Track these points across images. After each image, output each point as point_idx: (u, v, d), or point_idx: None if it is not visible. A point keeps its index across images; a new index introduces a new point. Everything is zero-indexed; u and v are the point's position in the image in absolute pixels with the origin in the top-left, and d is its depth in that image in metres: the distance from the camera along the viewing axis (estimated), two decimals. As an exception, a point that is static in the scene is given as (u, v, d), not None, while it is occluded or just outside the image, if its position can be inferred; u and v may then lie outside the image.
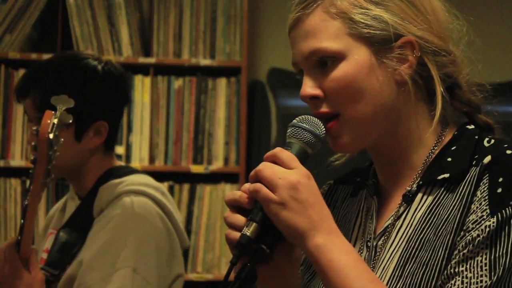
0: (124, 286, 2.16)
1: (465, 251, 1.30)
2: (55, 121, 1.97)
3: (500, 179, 1.32)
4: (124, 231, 2.22)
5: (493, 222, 1.30)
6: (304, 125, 1.39)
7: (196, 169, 4.29)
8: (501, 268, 1.28)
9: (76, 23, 4.28)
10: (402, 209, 1.43)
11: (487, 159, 1.35)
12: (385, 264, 1.40)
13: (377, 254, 1.43)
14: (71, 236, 2.31)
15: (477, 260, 1.29)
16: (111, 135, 2.37)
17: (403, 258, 1.38)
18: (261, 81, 4.52)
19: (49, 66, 2.35)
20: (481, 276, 1.28)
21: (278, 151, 1.36)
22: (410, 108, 1.44)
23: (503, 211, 1.30)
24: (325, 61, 1.41)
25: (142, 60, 4.29)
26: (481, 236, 1.30)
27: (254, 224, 1.34)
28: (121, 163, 2.47)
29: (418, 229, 1.39)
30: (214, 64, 4.31)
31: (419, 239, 1.37)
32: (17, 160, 4.24)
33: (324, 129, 1.40)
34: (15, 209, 4.21)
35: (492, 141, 1.41)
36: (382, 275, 1.39)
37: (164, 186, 2.40)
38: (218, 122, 4.33)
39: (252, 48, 4.49)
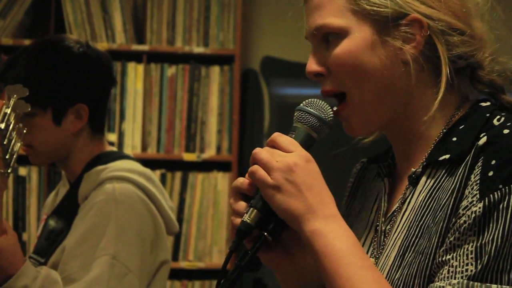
0: (103, 274, 2.14)
1: (452, 238, 1.25)
2: (7, 110, 1.94)
3: (493, 162, 1.24)
4: (105, 218, 2.20)
5: (480, 208, 1.22)
6: (309, 108, 1.37)
7: (189, 157, 4.29)
8: (487, 255, 1.20)
9: (69, 10, 4.26)
10: (408, 192, 1.38)
11: (482, 140, 1.27)
12: (388, 252, 1.36)
13: (385, 239, 1.39)
14: (58, 223, 2.30)
15: (464, 248, 1.23)
16: (95, 118, 2.33)
17: (403, 247, 1.33)
18: (254, 69, 4.52)
19: (23, 52, 2.31)
20: (467, 264, 1.22)
21: (276, 135, 1.34)
22: (420, 88, 1.38)
23: (491, 195, 1.22)
24: (328, 38, 1.38)
25: (135, 47, 4.28)
26: (467, 223, 1.23)
27: (255, 210, 1.31)
28: (113, 148, 2.43)
29: (418, 215, 1.34)
30: (207, 52, 4.30)
31: (419, 225, 1.32)
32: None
33: (331, 113, 1.38)
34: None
35: (503, 119, 1.31)
36: (384, 264, 1.36)
37: (154, 173, 2.38)
38: (211, 110, 4.32)
39: (246, 36, 4.48)
